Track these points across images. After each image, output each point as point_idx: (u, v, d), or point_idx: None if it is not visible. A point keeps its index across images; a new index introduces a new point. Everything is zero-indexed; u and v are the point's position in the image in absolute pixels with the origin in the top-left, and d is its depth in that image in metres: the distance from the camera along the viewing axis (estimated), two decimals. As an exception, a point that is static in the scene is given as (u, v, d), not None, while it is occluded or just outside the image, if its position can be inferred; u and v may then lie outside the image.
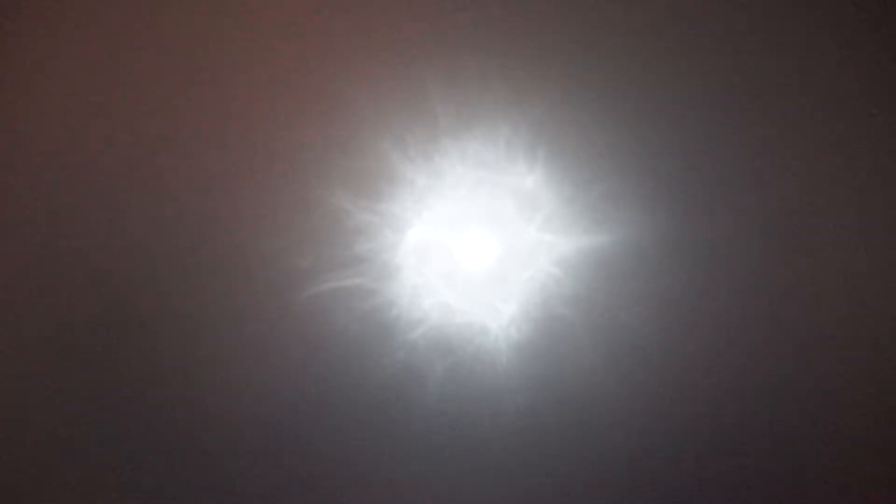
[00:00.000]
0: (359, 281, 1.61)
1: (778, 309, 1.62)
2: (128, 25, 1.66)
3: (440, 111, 1.60)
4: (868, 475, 1.62)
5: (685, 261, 1.62)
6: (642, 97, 1.63)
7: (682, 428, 1.61)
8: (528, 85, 1.61)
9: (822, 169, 1.64)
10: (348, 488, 1.63)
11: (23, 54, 1.66)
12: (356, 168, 1.61)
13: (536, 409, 1.61)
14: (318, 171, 1.62)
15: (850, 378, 1.61)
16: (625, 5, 1.64)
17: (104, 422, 1.63)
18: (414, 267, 1.63)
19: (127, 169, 1.64)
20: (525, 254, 1.63)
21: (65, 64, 1.66)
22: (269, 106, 1.64)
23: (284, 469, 1.62)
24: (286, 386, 1.62)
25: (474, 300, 1.64)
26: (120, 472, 1.63)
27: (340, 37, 1.65)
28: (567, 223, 1.62)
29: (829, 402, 1.61)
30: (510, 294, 1.63)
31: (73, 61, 1.66)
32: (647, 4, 1.64)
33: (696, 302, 1.62)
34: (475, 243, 1.65)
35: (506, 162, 1.61)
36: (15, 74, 1.66)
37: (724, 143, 1.64)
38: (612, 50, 1.64)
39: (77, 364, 1.63)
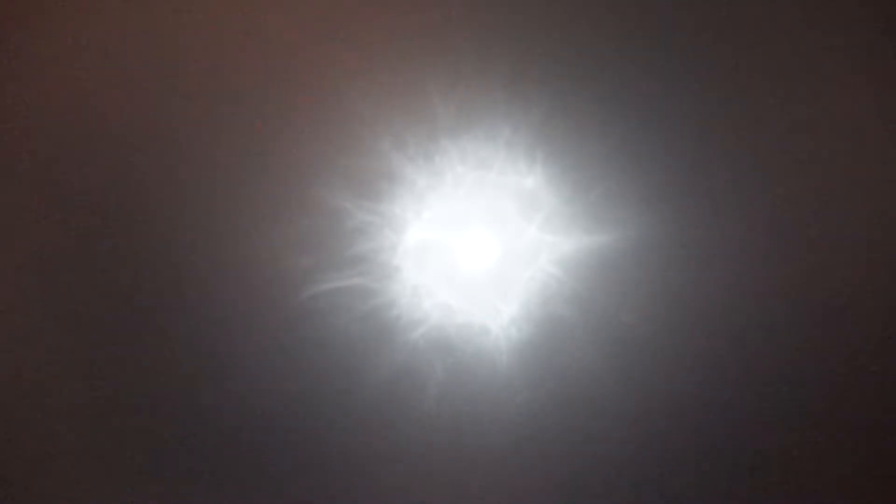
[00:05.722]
0: (359, 281, 1.61)
1: (778, 309, 1.62)
2: (126, 25, 1.66)
3: (440, 111, 1.60)
4: (870, 473, 1.62)
5: (685, 261, 1.62)
6: (642, 97, 1.63)
7: (683, 428, 1.61)
8: (528, 85, 1.62)
9: (823, 169, 1.64)
10: (347, 488, 1.63)
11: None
12: (356, 168, 1.61)
13: (536, 409, 1.61)
14: (318, 171, 1.62)
15: (851, 377, 1.61)
16: (625, 6, 1.65)
17: (102, 420, 1.63)
18: (414, 267, 1.63)
19: (125, 170, 1.64)
20: (525, 254, 1.63)
21: (61, 60, 1.66)
22: (269, 106, 1.64)
23: (283, 468, 1.62)
24: (285, 386, 1.62)
25: (474, 300, 1.64)
26: (117, 470, 1.63)
27: (341, 36, 1.65)
28: (567, 223, 1.62)
29: (830, 401, 1.61)
30: (510, 294, 1.63)
31: (71, 57, 1.66)
32: (648, 5, 1.65)
33: (696, 302, 1.62)
34: (475, 243, 1.65)
35: (506, 162, 1.61)
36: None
37: (724, 142, 1.64)
38: (612, 50, 1.64)
39: (75, 363, 1.63)
